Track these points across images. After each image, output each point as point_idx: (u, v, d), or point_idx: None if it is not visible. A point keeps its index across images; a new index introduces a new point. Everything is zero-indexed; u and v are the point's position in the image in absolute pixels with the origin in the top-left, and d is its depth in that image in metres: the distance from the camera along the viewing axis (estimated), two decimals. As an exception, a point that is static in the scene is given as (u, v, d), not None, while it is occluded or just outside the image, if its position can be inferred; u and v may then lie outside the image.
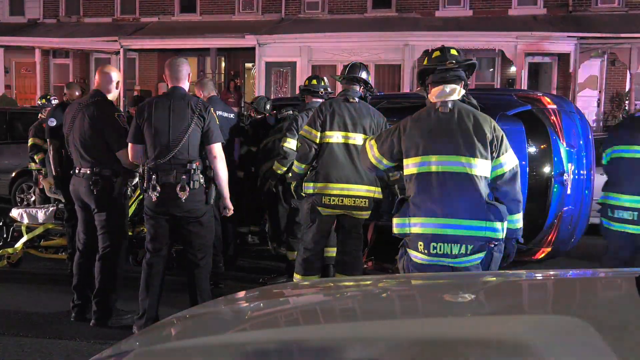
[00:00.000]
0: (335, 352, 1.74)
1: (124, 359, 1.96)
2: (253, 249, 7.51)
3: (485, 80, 16.54)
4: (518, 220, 3.42)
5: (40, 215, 6.44)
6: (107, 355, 2.09)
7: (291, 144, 5.79)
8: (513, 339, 1.65)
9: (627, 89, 15.79)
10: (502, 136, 3.36)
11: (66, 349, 4.37)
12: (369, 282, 2.84)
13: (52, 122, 6.03)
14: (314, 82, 6.03)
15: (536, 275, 2.74)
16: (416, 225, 3.37)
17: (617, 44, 14.98)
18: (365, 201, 4.86)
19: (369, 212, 4.96)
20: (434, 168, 3.34)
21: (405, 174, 3.48)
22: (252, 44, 16.14)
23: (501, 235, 3.31)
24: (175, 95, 4.45)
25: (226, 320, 2.31)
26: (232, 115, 6.36)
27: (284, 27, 17.04)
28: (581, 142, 5.91)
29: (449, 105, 3.38)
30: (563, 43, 14.74)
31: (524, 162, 5.43)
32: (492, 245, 3.32)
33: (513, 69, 15.81)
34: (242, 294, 2.66)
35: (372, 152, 3.64)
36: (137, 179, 5.55)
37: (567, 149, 5.73)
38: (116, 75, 4.94)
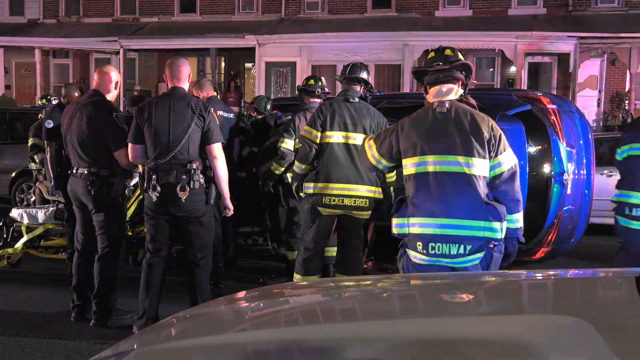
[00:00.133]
0: (335, 352, 1.74)
1: (124, 359, 1.96)
2: (253, 249, 7.51)
3: (485, 80, 16.54)
4: (518, 220, 3.41)
5: (40, 215, 6.44)
6: (107, 355, 2.09)
7: (288, 144, 5.80)
8: (513, 339, 1.65)
9: (627, 89, 15.79)
10: (500, 135, 3.35)
11: (66, 349, 4.37)
12: (369, 282, 2.84)
13: (49, 124, 6.03)
14: (311, 82, 6.05)
15: (536, 275, 2.74)
16: (415, 225, 3.37)
17: (617, 44, 14.99)
18: (365, 201, 4.86)
19: (370, 212, 4.96)
20: (431, 168, 3.34)
21: (404, 174, 3.48)
22: (252, 44, 16.14)
23: (500, 235, 3.30)
24: (175, 95, 4.45)
25: (226, 320, 2.31)
26: (231, 115, 6.36)
27: (284, 27, 17.04)
28: (581, 142, 5.90)
29: (446, 105, 3.38)
30: (563, 43, 14.75)
31: (523, 162, 5.43)
32: (492, 246, 3.32)
33: (513, 68, 15.81)
34: (242, 294, 2.66)
35: (372, 152, 3.63)
36: (137, 179, 5.55)
37: (567, 148, 5.73)
38: (115, 75, 4.93)
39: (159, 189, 4.35)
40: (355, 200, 4.83)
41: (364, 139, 4.78)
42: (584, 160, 5.89)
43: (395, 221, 3.47)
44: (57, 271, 6.37)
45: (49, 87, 18.90)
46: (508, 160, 3.35)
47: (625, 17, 15.69)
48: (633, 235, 4.79)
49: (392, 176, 4.84)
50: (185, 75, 4.54)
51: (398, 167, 3.62)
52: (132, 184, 6.32)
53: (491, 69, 16.73)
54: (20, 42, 18.22)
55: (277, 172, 5.94)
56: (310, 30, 16.36)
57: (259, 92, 15.52)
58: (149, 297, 4.50)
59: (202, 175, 4.41)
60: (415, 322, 1.94)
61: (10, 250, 6.38)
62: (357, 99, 4.92)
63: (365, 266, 5.84)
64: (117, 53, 17.41)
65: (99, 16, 19.44)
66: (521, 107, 5.81)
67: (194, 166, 4.36)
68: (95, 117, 4.67)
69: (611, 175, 8.53)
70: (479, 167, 3.29)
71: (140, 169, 4.66)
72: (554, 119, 5.76)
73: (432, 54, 3.50)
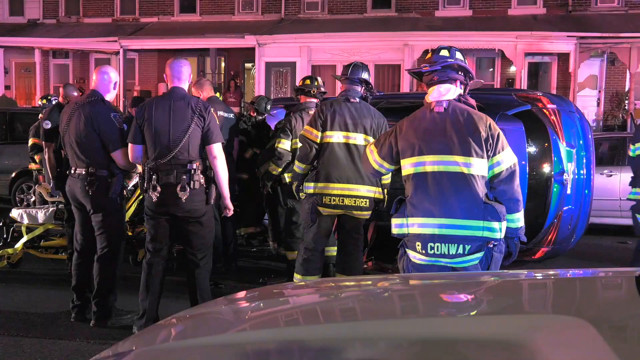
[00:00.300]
0: (335, 352, 1.74)
1: (124, 359, 1.96)
2: (252, 249, 7.52)
3: (485, 80, 16.54)
4: (518, 219, 3.40)
5: (40, 215, 6.44)
6: (106, 356, 2.09)
7: (285, 144, 5.81)
8: (513, 339, 1.65)
9: (626, 89, 15.79)
10: (498, 134, 3.33)
11: (66, 349, 4.37)
12: (369, 282, 2.84)
13: (47, 125, 6.03)
14: (307, 82, 6.08)
15: (536, 275, 2.73)
16: (414, 225, 3.37)
17: (616, 44, 14.99)
18: (365, 201, 4.86)
19: (370, 212, 4.96)
20: (429, 168, 3.34)
21: (402, 174, 3.48)
22: (252, 44, 16.15)
23: (499, 235, 3.29)
24: (175, 95, 4.45)
25: (226, 320, 2.31)
26: (231, 116, 6.37)
27: (284, 27, 17.04)
28: (581, 141, 5.91)
29: (444, 104, 3.38)
30: (563, 43, 14.75)
31: (524, 162, 5.43)
32: (491, 245, 3.31)
33: (513, 68, 15.81)
34: (242, 294, 2.66)
35: (373, 157, 3.62)
36: (136, 180, 5.54)
37: (567, 148, 5.73)
38: (114, 76, 4.92)
39: (159, 189, 4.35)
40: (355, 200, 4.83)
41: (365, 139, 4.81)
42: (584, 160, 5.89)
43: (394, 221, 3.47)
44: (57, 271, 6.37)
45: (49, 87, 18.89)
46: (507, 159, 3.34)
47: (625, 17, 15.69)
48: None
49: (387, 178, 4.84)
50: (186, 75, 4.54)
51: (400, 170, 3.62)
52: (132, 184, 6.32)
53: (491, 69, 16.73)
54: (20, 42, 18.22)
55: (274, 172, 5.95)
56: (310, 30, 16.37)
57: (259, 92, 15.52)
58: (149, 297, 4.50)
59: (202, 176, 4.41)
60: (415, 322, 1.94)
61: (10, 250, 6.38)
62: (357, 99, 4.93)
63: (365, 266, 5.84)
64: (117, 53, 17.41)
65: (98, 16, 19.44)
66: (521, 107, 5.81)
67: (194, 166, 4.36)
68: (93, 117, 4.66)
69: (611, 175, 8.54)
70: (477, 167, 3.29)
71: (139, 169, 4.65)
72: (554, 119, 5.76)
73: (429, 55, 3.51)
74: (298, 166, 5.04)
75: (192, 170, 4.35)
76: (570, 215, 5.81)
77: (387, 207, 4.91)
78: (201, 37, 16.68)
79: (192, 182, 4.34)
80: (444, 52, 3.45)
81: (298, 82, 6.42)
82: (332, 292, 2.51)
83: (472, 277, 2.81)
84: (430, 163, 3.33)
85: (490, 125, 3.34)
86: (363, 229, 5.11)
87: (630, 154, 5.04)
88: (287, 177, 5.95)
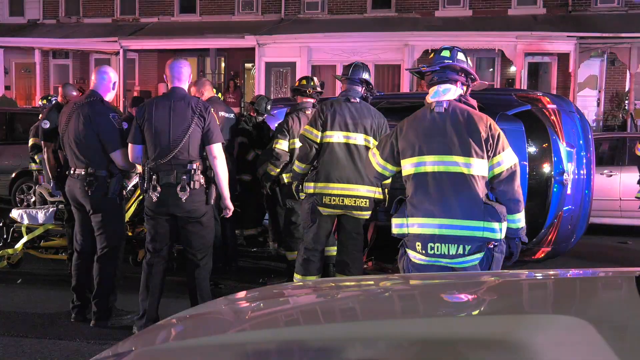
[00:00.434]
0: (335, 352, 1.74)
1: (124, 359, 1.96)
2: (253, 249, 7.51)
3: (485, 80, 16.54)
4: (519, 219, 3.40)
5: (40, 215, 6.44)
6: (106, 356, 2.09)
7: (283, 145, 5.82)
8: (513, 339, 1.65)
9: (626, 89, 15.79)
10: (498, 135, 3.33)
11: (66, 349, 4.37)
12: (369, 282, 2.84)
13: (46, 124, 6.04)
14: (304, 82, 6.09)
15: (536, 275, 2.73)
16: (414, 225, 3.37)
17: (616, 44, 14.99)
18: (365, 201, 4.86)
19: (370, 212, 4.96)
20: (429, 168, 3.34)
21: (403, 174, 3.48)
22: (252, 44, 16.15)
23: (499, 235, 3.29)
24: (175, 95, 4.45)
25: (226, 320, 2.31)
26: (232, 115, 6.37)
27: (284, 27, 17.04)
28: (581, 141, 5.90)
29: (444, 105, 3.38)
30: (563, 43, 14.75)
31: (524, 162, 5.43)
32: (492, 246, 3.31)
33: (513, 68, 15.81)
34: (242, 294, 2.66)
35: (376, 160, 3.61)
36: (136, 180, 5.54)
37: (567, 148, 5.73)
38: (113, 76, 4.92)
39: (159, 189, 4.35)
40: (355, 200, 4.83)
41: (366, 146, 4.81)
42: (584, 160, 5.89)
43: (394, 221, 3.47)
44: (57, 271, 6.37)
45: (49, 87, 18.88)
46: (507, 160, 3.33)
47: (625, 17, 15.69)
48: None
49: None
50: (186, 76, 4.54)
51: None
52: (131, 184, 6.32)
53: (491, 69, 16.73)
54: (20, 43, 18.22)
55: (272, 173, 5.95)
56: (310, 30, 16.37)
57: (259, 93, 15.51)
58: (149, 297, 4.50)
59: (202, 176, 4.41)
60: (415, 322, 1.94)
61: (10, 250, 6.38)
62: (358, 99, 4.93)
63: (365, 266, 5.84)
64: (117, 53, 17.41)
65: (98, 16, 19.44)
66: (521, 107, 5.81)
67: (194, 166, 4.36)
68: (92, 117, 4.66)
69: (611, 175, 8.54)
70: (478, 167, 3.29)
71: (139, 169, 4.65)
72: (554, 119, 5.76)
73: (432, 55, 3.51)
74: (298, 166, 5.04)
75: (192, 171, 4.35)
76: (570, 215, 5.81)
77: (388, 206, 4.92)
78: (201, 37, 16.68)
79: (192, 182, 4.34)
80: (445, 53, 3.45)
81: (295, 83, 6.43)
82: (332, 292, 2.51)
83: (472, 277, 2.81)
84: (431, 163, 3.33)
85: (490, 125, 3.33)
86: (363, 229, 5.11)
87: (638, 152, 5.05)
88: (285, 177, 5.96)
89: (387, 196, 5.01)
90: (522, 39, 14.77)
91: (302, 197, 5.05)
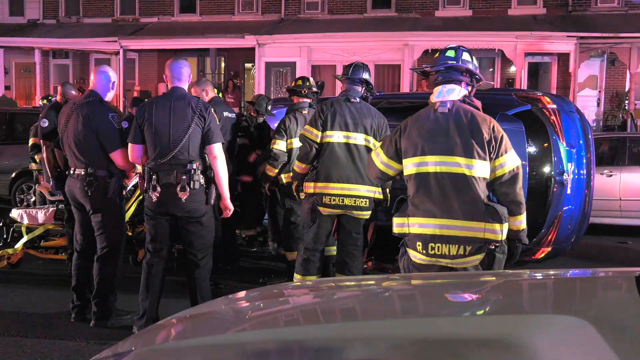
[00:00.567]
0: (335, 352, 1.74)
1: (124, 359, 1.96)
2: (253, 249, 7.52)
3: (485, 80, 16.54)
4: (520, 222, 3.39)
5: (40, 215, 6.44)
6: (106, 356, 2.09)
7: (280, 145, 5.83)
8: (513, 339, 1.65)
9: (626, 89, 15.79)
10: (501, 137, 3.32)
11: (66, 349, 4.37)
12: (369, 282, 2.84)
13: (44, 123, 6.03)
14: (299, 82, 6.11)
15: (536, 275, 2.73)
16: (415, 225, 3.37)
17: (616, 44, 14.99)
18: (365, 201, 4.87)
19: (370, 212, 4.97)
20: (431, 168, 3.34)
21: (404, 174, 3.47)
22: (252, 44, 16.14)
23: (501, 236, 3.28)
24: (175, 95, 4.45)
25: (226, 320, 2.31)
26: (233, 115, 6.38)
27: (284, 27, 17.04)
28: (581, 141, 5.90)
29: (448, 105, 3.37)
30: (563, 43, 14.75)
31: (524, 162, 5.43)
32: (493, 247, 3.31)
33: (513, 68, 15.81)
34: (242, 294, 2.66)
35: (380, 159, 3.59)
36: (136, 180, 5.53)
37: (567, 148, 5.73)
38: (112, 76, 4.91)
39: (159, 189, 4.35)
40: (355, 200, 4.84)
41: (366, 145, 4.81)
42: (584, 160, 5.89)
43: (395, 220, 3.47)
44: (57, 271, 6.37)
45: (49, 87, 18.88)
46: (510, 162, 3.32)
47: (625, 17, 15.69)
48: None
49: None
50: (186, 76, 4.54)
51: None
52: (131, 184, 6.32)
53: (491, 69, 16.73)
54: (20, 43, 18.21)
55: (270, 174, 5.95)
56: (310, 30, 16.37)
57: (259, 92, 15.50)
58: (149, 297, 4.50)
59: (202, 176, 4.41)
60: (415, 322, 1.94)
61: (10, 250, 6.37)
62: (358, 99, 4.93)
63: (365, 266, 5.84)
64: (117, 53, 17.41)
65: (98, 16, 19.43)
66: (521, 107, 5.81)
67: (194, 166, 4.36)
68: (91, 117, 4.65)
69: (611, 175, 8.54)
70: (479, 169, 3.28)
71: (139, 169, 4.65)
72: (554, 119, 5.76)
73: (437, 55, 3.51)
74: (298, 166, 5.04)
75: (192, 170, 4.35)
76: (570, 215, 5.81)
77: (388, 206, 4.92)
78: (201, 37, 16.68)
79: (192, 182, 4.34)
80: (450, 53, 3.44)
81: (291, 83, 6.45)
82: (332, 292, 2.51)
83: (472, 277, 2.82)
84: (433, 163, 3.33)
85: (493, 127, 3.32)
86: (363, 229, 5.11)
87: None
88: (284, 177, 5.96)
89: (389, 196, 5.01)
90: (522, 39, 14.77)
91: (302, 197, 5.05)
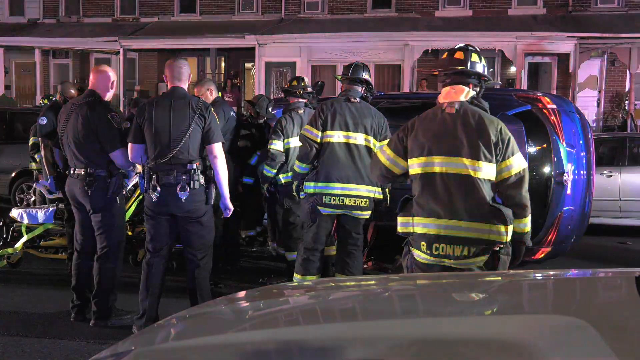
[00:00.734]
0: (335, 352, 1.74)
1: (123, 359, 1.96)
2: (252, 249, 7.52)
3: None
4: (525, 224, 3.38)
5: (40, 215, 6.44)
6: (106, 356, 2.09)
7: (277, 145, 5.83)
8: (513, 339, 1.65)
9: (627, 89, 15.79)
10: (508, 139, 3.31)
11: (66, 349, 4.37)
12: (369, 282, 2.84)
13: (43, 121, 6.03)
14: (294, 82, 6.11)
15: (536, 275, 2.74)
16: (419, 225, 3.37)
17: (617, 44, 14.99)
18: (365, 201, 4.87)
19: (370, 212, 4.97)
20: (437, 169, 3.33)
21: (410, 173, 3.47)
22: (252, 44, 16.15)
23: (505, 238, 3.27)
24: (175, 95, 4.45)
25: (226, 320, 2.31)
26: (234, 115, 6.40)
27: (284, 27, 17.05)
28: (581, 142, 5.90)
29: (455, 106, 3.37)
30: (563, 43, 14.75)
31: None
32: (497, 249, 3.30)
33: (513, 69, 15.81)
34: (242, 294, 2.66)
35: (386, 156, 3.56)
36: (136, 179, 5.53)
37: (567, 149, 5.73)
38: (112, 75, 4.90)
39: (159, 189, 4.34)
40: (355, 200, 4.84)
41: (367, 145, 4.80)
42: (584, 161, 5.89)
43: (400, 220, 3.47)
44: (57, 271, 6.37)
45: (49, 87, 18.89)
46: (516, 164, 3.31)
47: (625, 17, 15.69)
48: None
49: None
50: (186, 75, 4.54)
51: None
52: (131, 184, 6.32)
53: (491, 69, 16.72)
54: (20, 42, 18.21)
55: (269, 175, 5.96)
56: (310, 30, 16.37)
57: (259, 92, 15.51)
58: (149, 297, 4.49)
59: (202, 175, 4.41)
60: (415, 322, 1.94)
61: (10, 250, 6.37)
62: (358, 99, 4.94)
63: (365, 266, 5.84)
64: (117, 53, 17.41)
65: (99, 16, 19.44)
66: (521, 107, 5.81)
67: (194, 166, 4.36)
68: (90, 117, 4.65)
69: (611, 175, 8.54)
70: (485, 171, 3.28)
71: (139, 169, 4.65)
72: (554, 119, 5.76)
73: (445, 55, 3.50)
74: (298, 166, 5.04)
75: (192, 170, 4.35)
76: (570, 216, 5.81)
77: (389, 206, 4.93)
78: (201, 37, 16.68)
79: (192, 182, 4.34)
80: (459, 55, 3.43)
81: (285, 84, 6.46)
82: (331, 292, 2.51)
83: (473, 277, 2.82)
84: (439, 164, 3.33)
85: (501, 129, 3.31)
86: (363, 229, 5.11)
87: None
88: (282, 177, 5.96)
89: (389, 196, 5.00)
90: (522, 39, 14.77)
91: (302, 197, 5.05)
